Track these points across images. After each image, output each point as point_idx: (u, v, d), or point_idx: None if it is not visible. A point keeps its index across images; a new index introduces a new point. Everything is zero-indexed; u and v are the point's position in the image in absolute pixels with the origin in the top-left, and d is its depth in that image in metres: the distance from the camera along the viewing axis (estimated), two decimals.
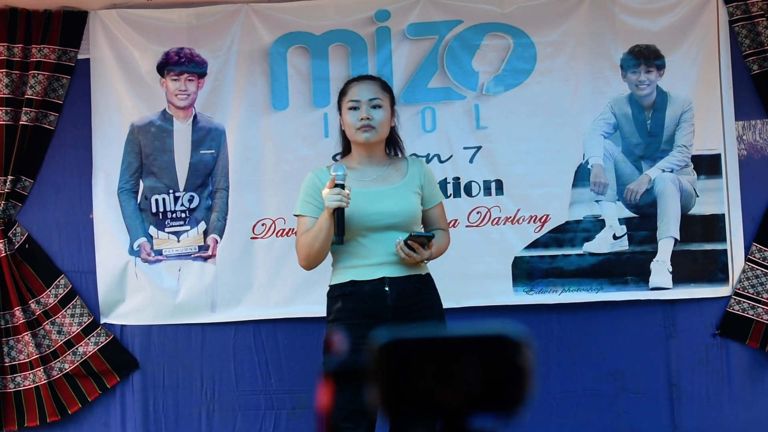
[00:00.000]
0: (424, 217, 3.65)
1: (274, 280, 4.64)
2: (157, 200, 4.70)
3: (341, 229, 3.40)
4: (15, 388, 4.66)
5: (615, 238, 4.59)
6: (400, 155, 3.73)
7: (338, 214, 3.40)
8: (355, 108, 3.59)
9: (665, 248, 4.58)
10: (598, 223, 4.60)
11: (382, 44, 4.63)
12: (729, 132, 4.57)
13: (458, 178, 4.59)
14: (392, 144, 3.72)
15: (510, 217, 4.60)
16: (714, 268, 4.58)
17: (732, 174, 4.57)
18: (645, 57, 4.59)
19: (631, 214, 4.60)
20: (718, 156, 4.57)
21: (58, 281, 4.69)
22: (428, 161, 4.57)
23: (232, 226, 4.67)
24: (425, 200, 3.63)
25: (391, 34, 4.63)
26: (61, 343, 4.67)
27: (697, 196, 4.57)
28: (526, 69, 4.61)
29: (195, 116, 4.69)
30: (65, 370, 4.67)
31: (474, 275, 4.47)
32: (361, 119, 3.56)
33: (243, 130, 4.67)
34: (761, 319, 4.54)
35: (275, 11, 4.67)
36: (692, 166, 4.58)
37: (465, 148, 4.62)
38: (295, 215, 3.65)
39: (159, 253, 4.69)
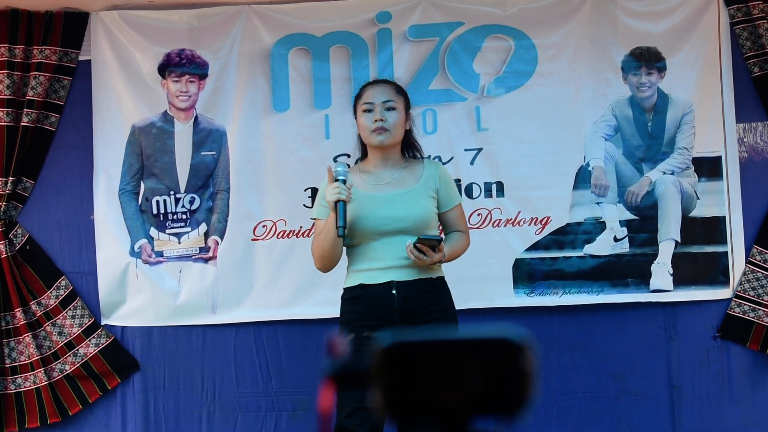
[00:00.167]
0: (441, 220, 3.65)
1: (274, 281, 4.65)
2: (158, 201, 4.70)
3: (343, 221, 3.39)
4: (16, 389, 4.66)
5: (616, 240, 4.59)
6: (418, 157, 3.73)
7: (340, 207, 3.39)
8: (369, 110, 3.61)
9: (666, 250, 4.58)
10: (599, 226, 4.60)
11: (383, 46, 4.64)
12: (730, 134, 4.57)
13: (459, 180, 4.59)
14: (409, 147, 3.72)
15: (511, 219, 4.60)
16: (715, 271, 4.58)
17: (733, 176, 4.57)
18: (646, 59, 4.59)
19: (632, 216, 4.60)
20: (718, 158, 4.57)
21: (59, 282, 4.70)
22: None
23: (232, 227, 4.67)
24: (441, 203, 3.62)
25: (392, 35, 4.64)
26: (62, 344, 4.67)
27: (698, 198, 4.57)
28: (527, 71, 4.61)
29: (196, 118, 4.70)
30: (66, 371, 4.67)
31: (475, 277, 4.47)
32: (375, 121, 3.57)
33: (244, 131, 4.67)
34: (762, 321, 4.54)
35: (276, 13, 4.68)
36: (693, 169, 4.58)
37: (466, 150, 4.62)
38: (311, 219, 3.67)
39: (160, 254, 4.69)
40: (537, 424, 4.48)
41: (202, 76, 4.69)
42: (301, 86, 4.67)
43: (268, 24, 4.68)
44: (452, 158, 4.60)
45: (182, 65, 4.69)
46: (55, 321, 4.67)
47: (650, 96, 4.59)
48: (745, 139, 4.62)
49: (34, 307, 4.67)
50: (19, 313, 4.64)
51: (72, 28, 4.69)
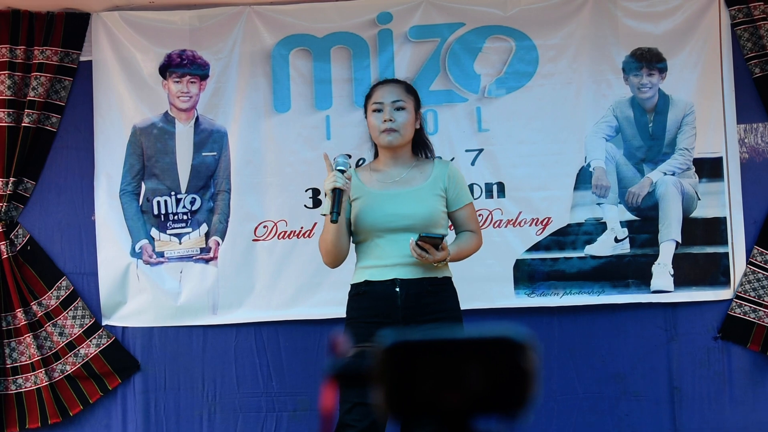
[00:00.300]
0: (452, 219, 3.65)
1: (275, 282, 4.65)
2: (158, 202, 4.70)
3: (338, 208, 3.39)
4: (16, 389, 4.66)
5: (616, 240, 4.59)
6: (430, 156, 3.74)
7: (337, 194, 3.40)
8: (378, 110, 3.63)
9: (667, 251, 4.58)
10: (600, 226, 4.60)
11: (384, 47, 4.64)
12: (731, 135, 4.57)
13: None
14: (420, 145, 3.73)
15: (511, 219, 4.60)
16: (715, 271, 4.58)
17: (734, 177, 4.57)
18: (647, 60, 4.59)
19: (633, 217, 4.60)
20: (719, 159, 4.57)
21: (60, 283, 4.70)
22: None
23: (233, 228, 4.67)
24: (450, 202, 3.62)
25: (393, 36, 4.64)
26: (63, 344, 4.67)
27: (699, 199, 4.57)
28: (528, 72, 4.61)
29: (197, 118, 4.70)
30: (67, 371, 4.67)
31: (475, 278, 4.46)
32: (384, 121, 3.59)
33: (245, 132, 4.67)
34: (762, 322, 4.54)
35: (277, 13, 4.68)
36: (694, 169, 4.58)
37: (467, 150, 4.62)
38: (322, 215, 3.69)
39: (161, 255, 4.69)
40: (537, 425, 4.47)
41: (203, 77, 4.69)
42: (302, 87, 4.67)
43: (269, 25, 4.68)
44: (453, 159, 4.60)
45: (183, 66, 4.69)
46: (56, 321, 4.68)
47: (651, 97, 4.59)
48: (745, 140, 4.62)
49: (35, 307, 4.68)
50: (20, 313, 4.64)
51: (73, 28, 4.69)
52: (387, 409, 1.08)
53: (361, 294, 3.55)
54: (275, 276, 4.64)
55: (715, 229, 4.57)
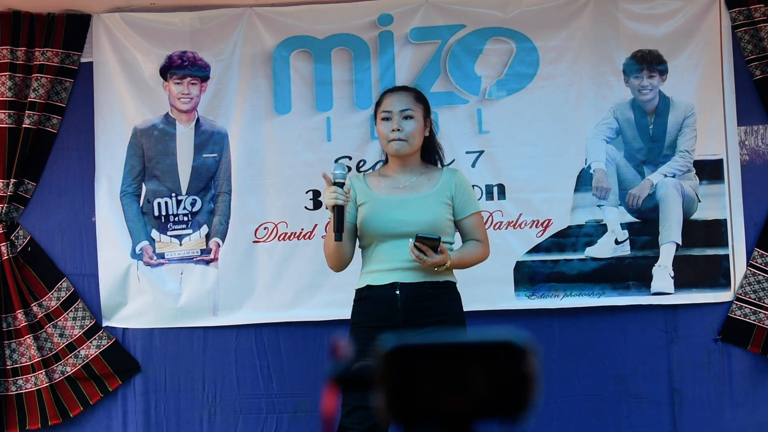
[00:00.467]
0: (459, 228, 3.67)
1: (276, 283, 4.65)
2: (159, 204, 4.70)
3: (340, 226, 3.44)
4: (17, 390, 4.66)
5: (617, 242, 4.59)
6: (439, 164, 3.77)
7: (337, 211, 3.44)
8: (387, 119, 3.64)
9: (667, 253, 4.58)
10: (600, 228, 4.60)
11: (385, 48, 4.64)
12: (731, 137, 4.57)
13: None
14: (431, 152, 3.75)
15: (512, 221, 4.60)
16: (716, 274, 4.58)
17: (734, 179, 4.57)
18: (648, 62, 4.59)
19: (633, 219, 4.60)
20: (720, 161, 4.57)
21: (61, 284, 4.70)
22: None
23: (234, 229, 4.67)
24: (457, 211, 3.63)
25: (394, 38, 4.64)
26: (63, 346, 4.67)
27: (699, 201, 4.57)
28: (529, 74, 4.61)
29: (198, 120, 4.70)
30: (67, 373, 4.67)
31: (476, 279, 4.44)
32: (392, 130, 3.61)
33: (245, 133, 4.67)
34: (763, 324, 4.54)
35: (278, 15, 4.68)
36: (694, 171, 4.58)
37: (467, 152, 4.62)
38: (329, 218, 3.72)
39: (161, 256, 4.69)
40: (537, 427, 4.45)
41: (204, 79, 4.70)
42: (302, 88, 4.67)
43: (270, 26, 4.68)
44: (454, 161, 4.60)
45: (184, 67, 4.70)
46: (56, 323, 4.68)
47: (652, 99, 4.60)
48: (746, 142, 4.62)
49: (35, 308, 4.68)
50: (20, 314, 4.64)
51: (74, 30, 4.70)
52: (388, 413, 1.08)
53: (364, 299, 3.58)
54: (276, 277, 4.65)
55: (715, 231, 4.57)
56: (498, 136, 4.62)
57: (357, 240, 3.66)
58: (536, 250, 4.60)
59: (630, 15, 4.60)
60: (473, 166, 4.61)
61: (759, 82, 4.57)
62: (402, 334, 1.09)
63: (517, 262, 4.60)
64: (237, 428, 4.69)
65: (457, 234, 3.71)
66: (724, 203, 4.57)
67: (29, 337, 4.64)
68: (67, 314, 4.68)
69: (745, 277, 4.56)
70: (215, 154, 4.69)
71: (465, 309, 3.63)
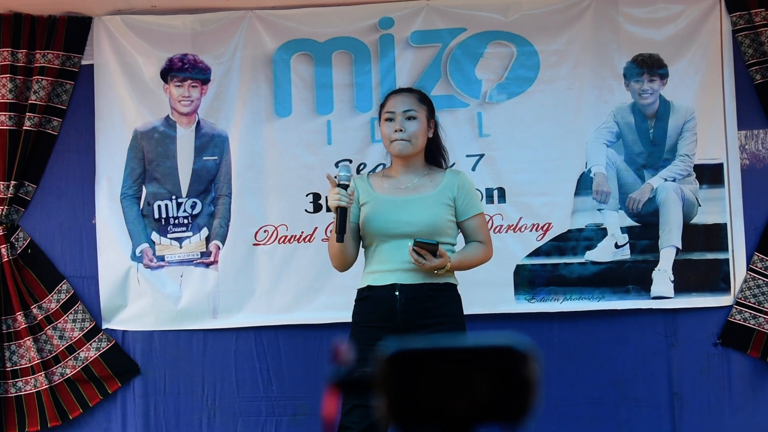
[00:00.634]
0: (461, 229, 3.68)
1: (275, 286, 4.65)
2: (159, 206, 4.70)
3: (342, 228, 3.48)
4: (16, 392, 4.66)
5: (617, 246, 4.59)
6: (444, 164, 3.78)
7: (340, 213, 3.47)
8: (390, 119, 3.66)
9: (667, 257, 4.58)
10: (600, 232, 4.60)
11: (386, 52, 4.64)
12: (731, 141, 4.57)
13: None
14: (435, 154, 3.76)
15: (512, 224, 4.60)
16: (716, 278, 4.58)
17: (734, 183, 4.57)
18: (648, 66, 4.59)
19: (633, 223, 4.60)
20: (720, 165, 4.58)
21: (60, 286, 4.70)
22: None
23: (234, 232, 4.67)
24: (459, 212, 3.65)
25: (395, 41, 4.64)
26: (63, 348, 4.67)
27: (700, 205, 4.58)
28: (530, 77, 4.61)
29: (198, 122, 4.70)
30: (66, 375, 4.67)
31: (475, 283, 4.45)
32: (395, 131, 3.62)
33: (246, 136, 4.68)
34: (762, 328, 4.54)
35: (279, 18, 4.68)
36: (694, 176, 4.58)
37: (468, 155, 4.62)
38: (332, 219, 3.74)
39: (161, 259, 4.70)
40: (537, 431, 4.47)
41: (205, 81, 4.70)
42: (303, 92, 4.68)
43: (271, 29, 4.68)
44: (454, 164, 4.58)
45: (185, 70, 4.70)
46: (56, 325, 4.68)
47: (652, 103, 4.60)
48: (746, 147, 4.62)
49: (35, 310, 4.68)
50: (20, 316, 4.64)
51: (75, 32, 4.70)
52: (389, 417, 1.08)
53: (364, 299, 3.60)
54: (275, 280, 4.65)
55: (715, 236, 4.57)
56: (498, 140, 4.62)
57: (360, 240, 3.68)
58: (536, 253, 4.60)
59: (631, 19, 4.60)
60: (473, 169, 4.61)
61: (759, 86, 4.57)
62: (403, 339, 1.09)
63: (517, 266, 4.60)
64: (236, 430, 4.69)
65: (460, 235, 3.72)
66: (725, 207, 4.57)
67: (29, 339, 4.64)
68: (67, 316, 4.68)
69: (745, 281, 4.56)
70: (215, 157, 4.69)
71: (465, 312, 3.63)
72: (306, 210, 4.64)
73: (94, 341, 4.68)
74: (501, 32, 4.63)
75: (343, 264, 3.66)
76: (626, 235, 4.59)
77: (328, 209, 4.57)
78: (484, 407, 1.07)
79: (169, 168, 4.70)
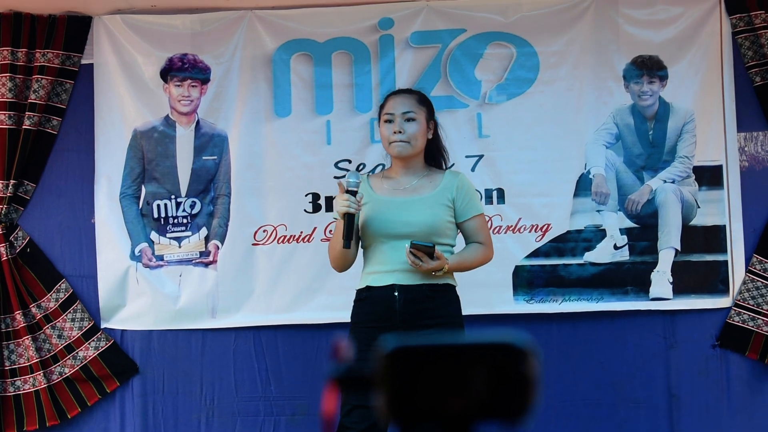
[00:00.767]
0: (461, 230, 3.68)
1: (274, 286, 4.65)
2: (159, 206, 4.70)
3: (348, 234, 3.49)
4: (15, 391, 4.66)
5: (616, 248, 4.59)
6: (444, 167, 3.79)
7: (347, 219, 3.49)
8: (389, 121, 3.67)
9: (666, 259, 4.58)
10: (599, 233, 4.60)
11: (386, 52, 4.64)
12: (731, 143, 4.58)
13: None
14: (435, 155, 3.76)
15: (511, 225, 4.60)
16: (714, 279, 4.58)
17: (733, 185, 4.58)
18: (648, 67, 4.59)
19: (632, 225, 4.60)
20: (719, 167, 4.58)
21: (59, 285, 4.70)
22: None
23: (233, 232, 4.67)
24: (459, 213, 3.65)
25: (395, 42, 4.64)
26: (62, 347, 4.66)
27: (699, 207, 4.58)
28: (529, 78, 4.62)
29: (198, 122, 4.70)
30: (65, 374, 4.66)
31: (474, 283, 4.44)
32: (394, 132, 3.63)
33: (245, 136, 4.68)
34: (761, 330, 4.54)
35: (279, 18, 4.68)
36: (694, 177, 4.58)
37: (467, 156, 4.62)
38: (333, 218, 3.73)
39: (160, 258, 4.69)
40: (536, 431, 4.46)
41: (204, 81, 4.70)
42: (302, 92, 4.68)
43: (271, 29, 4.68)
44: (453, 165, 4.58)
45: (184, 70, 4.70)
46: (54, 324, 4.67)
47: (651, 104, 4.60)
48: (746, 149, 4.62)
49: (34, 309, 4.67)
50: (18, 315, 4.64)
51: (75, 31, 4.70)
52: (388, 414, 1.08)
53: (363, 299, 3.61)
54: (274, 280, 4.65)
55: (714, 237, 4.57)
56: (498, 141, 4.62)
57: (360, 241, 3.68)
58: (535, 254, 4.60)
59: (630, 20, 4.60)
60: (473, 170, 4.61)
61: (759, 88, 4.57)
62: (402, 336, 1.09)
63: (516, 267, 4.60)
64: (235, 431, 4.69)
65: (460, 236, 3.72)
66: (723, 209, 4.57)
67: (28, 338, 4.63)
68: (66, 315, 4.67)
69: (744, 283, 4.56)
70: (215, 157, 4.69)
71: (463, 313, 3.63)
72: (305, 210, 4.64)
73: (93, 340, 4.68)
74: (501, 33, 4.63)
75: (343, 265, 3.67)
76: (625, 237, 4.59)
77: (328, 209, 4.57)
78: (483, 405, 1.07)
79: (169, 167, 4.70)
